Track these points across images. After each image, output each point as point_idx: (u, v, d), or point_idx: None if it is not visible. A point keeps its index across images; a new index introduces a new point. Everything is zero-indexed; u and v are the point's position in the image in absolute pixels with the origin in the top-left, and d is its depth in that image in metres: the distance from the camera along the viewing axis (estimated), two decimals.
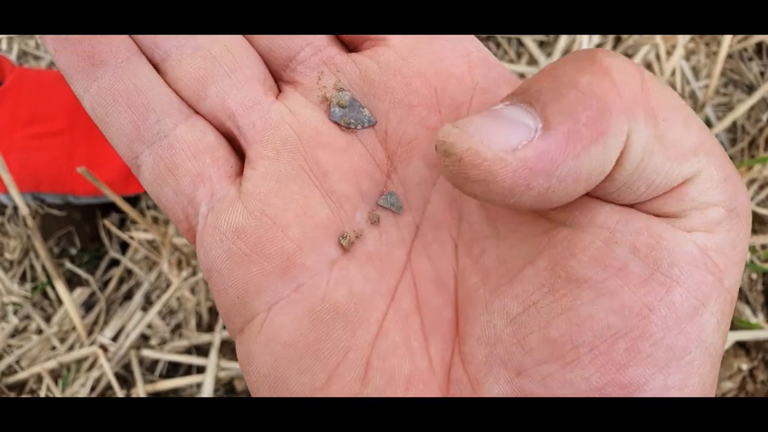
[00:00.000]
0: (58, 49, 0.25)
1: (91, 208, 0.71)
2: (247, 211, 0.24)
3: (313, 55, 0.26)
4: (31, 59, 0.78)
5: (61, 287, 0.67)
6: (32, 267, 0.71)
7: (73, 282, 0.71)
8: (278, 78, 0.27)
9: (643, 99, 0.19)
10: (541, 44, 0.70)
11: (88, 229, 0.73)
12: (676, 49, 0.69)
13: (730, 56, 0.71)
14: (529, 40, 0.69)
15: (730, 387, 0.66)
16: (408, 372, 0.23)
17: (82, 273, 0.71)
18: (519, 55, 0.70)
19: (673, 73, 0.70)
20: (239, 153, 0.26)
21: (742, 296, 0.68)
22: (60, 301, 0.71)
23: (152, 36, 0.25)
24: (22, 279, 0.72)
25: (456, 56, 0.25)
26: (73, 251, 0.73)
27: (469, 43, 0.25)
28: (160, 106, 0.25)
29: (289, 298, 0.23)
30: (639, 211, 0.21)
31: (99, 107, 0.25)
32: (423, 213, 0.25)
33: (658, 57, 0.70)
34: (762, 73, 0.71)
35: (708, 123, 0.70)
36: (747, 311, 0.66)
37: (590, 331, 0.20)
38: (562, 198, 0.19)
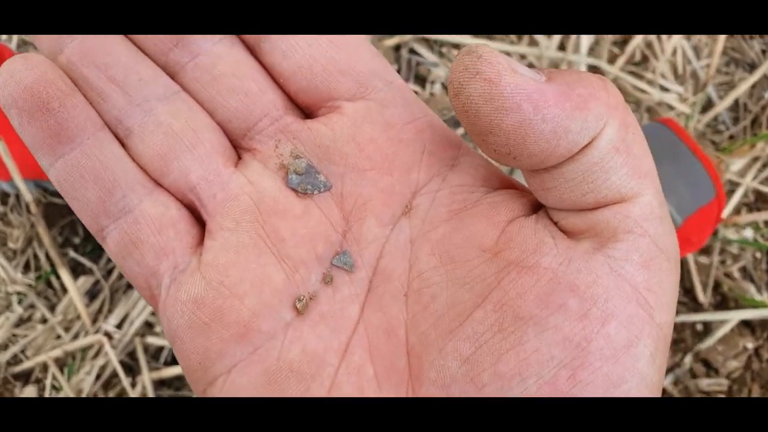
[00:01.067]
0: (22, 124, 0.25)
1: None
2: (205, 282, 0.25)
3: (270, 125, 0.27)
4: (31, 48, 0.78)
5: (65, 275, 0.67)
6: (36, 256, 0.71)
7: (77, 271, 0.71)
8: (237, 145, 0.28)
9: (623, 112, 0.22)
10: None
11: None
12: None
13: (731, 35, 0.70)
14: None
15: (735, 366, 0.66)
16: None
17: (86, 261, 0.71)
18: (520, 37, 0.70)
19: (674, 52, 0.70)
20: (200, 221, 0.27)
21: (747, 275, 0.67)
22: (64, 290, 0.71)
23: (115, 112, 0.26)
24: (26, 268, 0.72)
25: (404, 123, 0.27)
26: (77, 240, 0.73)
27: (417, 108, 0.27)
28: (125, 181, 0.26)
29: (247, 360, 0.25)
30: (579, 242, 0.23)
31: (65, 182, 0.26)
32: (375, 268, 0.26)
33: (659, 37, 0.70)
34: (764, 51, 0.71)
35: (710, 102, 0.70)
36: (752, 289, 0.66)
37: (536, 364, 0.22)
38: (535, 145, 0.21)
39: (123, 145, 0.26)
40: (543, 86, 0.21)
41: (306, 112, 0.28)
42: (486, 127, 0.21)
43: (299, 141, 0.27)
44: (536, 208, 0.25)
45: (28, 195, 0.61)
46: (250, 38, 0.27)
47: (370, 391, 0.24)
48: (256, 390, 0.24)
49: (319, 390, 0.24)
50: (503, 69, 0.21)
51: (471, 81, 0.21)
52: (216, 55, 0.27)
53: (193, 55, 0.27)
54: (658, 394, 0.23)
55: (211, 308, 0.25)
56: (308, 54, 0.26)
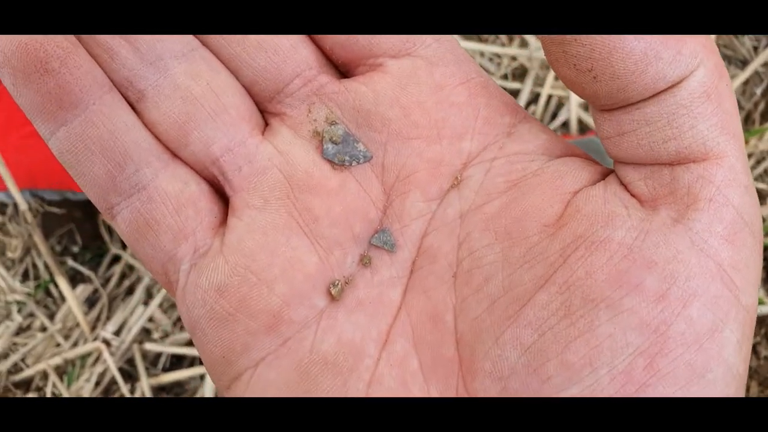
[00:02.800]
0: (17, 86, 0.22)
1: (90, 205, 0.72)
2: (229, 268, 0.23)
3: (302, 86, 0.24)
4: None
5: (63, 284, 0.68)
6: (34, 265, 0.72)
7: (76, 279, 0.72)
8: (264, 110, 0.25)
9: (718, 58, 0.20)
10: None
11: (89, 227, 0.73)
12: None
13: None
14: None
15: None
16: None
17: (85, 270, 0.72)
18: (510, 39, 0.70)
19: None
20: (223, 197, 0.25)
21: None
22: (63, 298, 0.71)
23: (125, 72, 0.23)
24: (25, 277, 0.72)
25: (456, 84, 0.24)
26: (75, 249, 0.73)
27: (469, 68, 0.24)
28: (137, 153, 0.23)
29: (276, 353, 0.23)
30: (656, 212, 0.20)
31: (69, 154, 0.23)
32: (419, 248, 0.23)
33: None
34: (755, 48, 0.71)
35: None
36: None
37: (609, 351, 0.19)
38: (621, 64, 0.19)
39: (135, 110, 0.23)
40: None
41: (343, 70, 0.25)
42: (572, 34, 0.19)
43: (335, 104, 0.24)
44: (605, 176, 0.22)
45: (23, 204, 0.62)
46: None
47: (415, 385, 0.22)
48: (287, 386, 0.22)
49: (357, 384, 0.22)
50: None
51: None
52: None
53: None
54: (743, 388, 0.20)
55: (236, 297, 0.23)
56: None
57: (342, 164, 0.24)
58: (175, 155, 0.24)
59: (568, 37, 0.19)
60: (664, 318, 0.19)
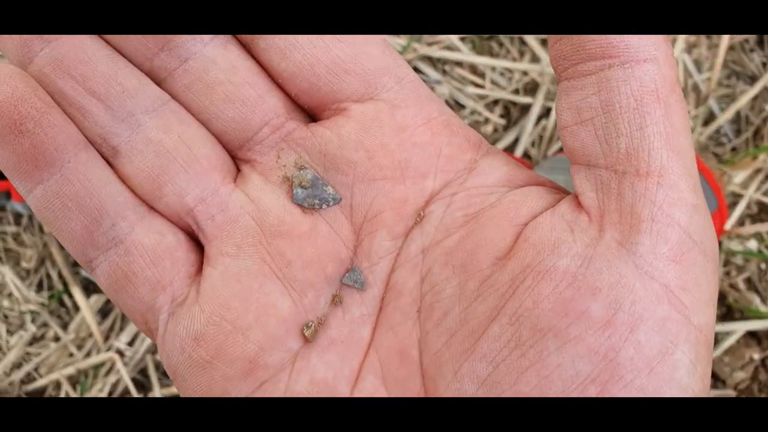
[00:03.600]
0: None
1: None
2: (205, 317, 0.23)
3: (271, 134, 0.25)
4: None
5: (78, 293, 0.68)
6: (48, 276, 0.72)
7: (89, 289, 0.72)
8: (234, 156, 0.25)
9: (674, 73, 0.20)
10: (544, 42, 0.71)
11: None
12: (677, 43, 0.70)
13: (731, 48, 0.71)
14: (532, 39, 0.70)
15: (742, 377, 0.66)
16: None
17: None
18: (521, 54, 0.71)
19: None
20: (200, 246, 0.25)
21: (752, 286, 0.68)
22: (76, 309, 0.72)
23: (98, 129, 0.23)
24: (39, 287, 0.73)
25: (418, 124, 0.24)
26: None
27: (431, 107, 0.25)
28: (113, 207, 0.23)
29: (252, 395, 0.23)
30: (602, 236, 0.20)
31: (46, 211, 0.23)
32: (387, 284, 0.24)
33: None
34: (764, 64, 0.71)
35: (711, 114, 0.70)
36: (757, 300, 0.67)
37: (560, 381, 0.20)
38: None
39: (110, 165, 0.24)
40: None
41: (311, 114, 0.26)
42: None
43: (303, 149, 0.25)
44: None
45: None
46: (245, 36, 0.24)
47: None
48: None
49: None
50: None
51: None
52: (208, 58, 0.24)
53: (181, 60, 0.24)
54: None
55: (212, 345, 0.23)
56: (309, 53, 0.24)
57: (312, 207, 0.24)
58: (150, 207, 0.24)
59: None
60: (611, 344, 0.19)
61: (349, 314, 0.24)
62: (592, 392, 0.19)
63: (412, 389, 0.23)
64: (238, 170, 0.25)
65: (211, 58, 0.24)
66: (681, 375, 0.19)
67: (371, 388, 0.23)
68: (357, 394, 0.23)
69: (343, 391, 0.23)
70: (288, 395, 0.23)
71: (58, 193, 0.23)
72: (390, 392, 0.23)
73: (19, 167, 0.22)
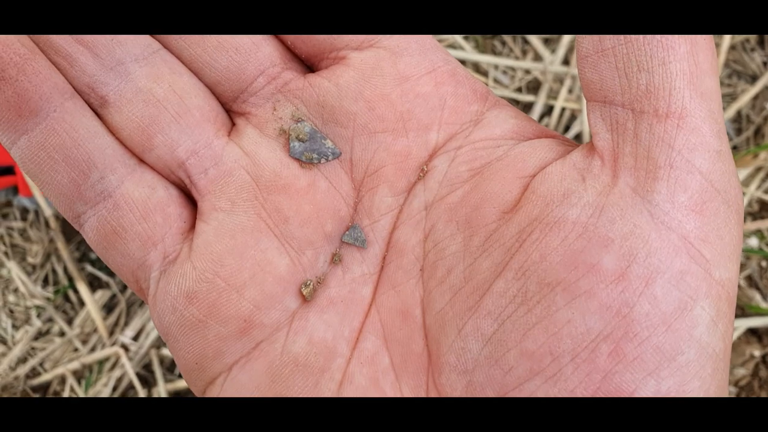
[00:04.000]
0: None
1: None
2: (197, 274, 0.22)
3: (266, 84, 0.24)
4: None
5: (83, 288, 0.69)
6: (54, 271, 0.73)
7: (93, 285, 0.73)
8: (228, 109, 0.24)
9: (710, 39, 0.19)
10: (546, 41, 0.71)
11: None
12: None
13: (732, 48, 0.72)
14: (534, 37, 0.71)
15: (743, 374, 0.66)
16: None
17: (103, 275, 0.73)
18: (524, 52, 0.72)
19: None
20: (192, 201, 0.24)
21: (753, 283, 0.68)
22: (81, 304, 0.72)
23: (86, 79, 0.22)
24: (44, 282, 0.73)
25: (422, 73, 0.23)
26: (93, 255, 0.74)
27: (436, 56, 0.23)
28: (101, 160, 0.22)
29: (248, 356, 0.22)
30: (615, 183, 0.19)
31: (31, 163, 0.22)
32: (388, 243, 0.23)
33: None
34: (765, 63, 0.72)
35: None
36: (757, 297, 0.67)
37: (569, 338, 0.18)
38: None
39: (98, 116, 0.23)
40: None
41: (308, 64, 0.25)
42: None
43: (300, 101, 0.24)
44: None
45: (47, 210, 0.63)
46: None
47: (387, 383, 0.22)
48: (259, 389, 0.22)
49: (328, 384, 0.22)
50: None
51: None
52: None
53: None
54: (723, 368, 0.19)
55: (205, 303, 0.22)
56: None
57: (310, 162, 0.23)
58: (141, 160, 0.23)
59: None
60: (625, 299, 0.18)
61: (349, 273, 0.23)
62: (604, 350, 0.18)
63: (414, 350, 0.22)
64: (233, 124, 0.24)
65: None
66: (700, 332, 0.18)
67: (372, 348, 0.22)
68: (357, 355, 0.22)
69: (342, 352, 0.22)
70: (284, 356, 0.22)
71: (43, 144, 0.22)
72: (391, 353, 0.22)
73: (2, 116, 0.21)
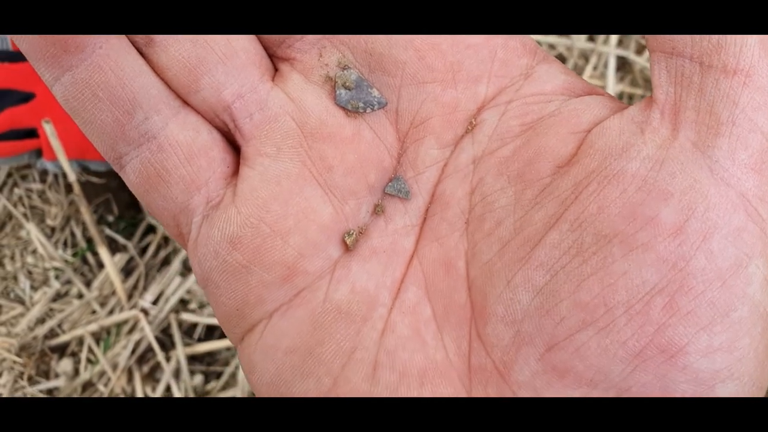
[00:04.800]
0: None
1: None
2: (242, 218, 0.22)
3: None
4: None
5: (104, 252, 0.69)
6: (72, 234, 0.73)
7: (111, 248, 0.73)
8: (272, 54, 0.24)
9: None
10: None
11: (125, 196, 0.74)
12: None
13: None
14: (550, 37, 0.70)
15: None
16: (421, 366, 0.21)
17: (120, 239, 0.73)
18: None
19: None
20: (235, 146, 0.24)
21: None
22: (99, 267, 0.73)
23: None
24: (63, 245, 0.73)
25: None
26: (110, 218, 0.74)
27: None
28: (146, 100, 0.22)
29: (290, 303, 0.22)
30: (675, 137, 0.19)
31: (74, 100, 0.22)
32: (432, 195, 0.23)
33: None
34: None
35: None
36: None
37: (624, 290, 0.18)
38: None
39: (143, 55, 0.22)
40: None
41: None
42: None
43: (347, 48, 0.23)
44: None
45: (72, 175, 0.63)
46: None
47: (428, 333, 0.22)
48: (300, 336, 0.22)
49: (370, 333, 0.22)
50: None
51: None
52: None
53: None
54: None
55: (249, 248, 0.22)
56: None
57: (356, 111, 0.23)
58: (185, 102, 0.23)
59: None
60: (682, 253, 0.18)
61: (392, 224, 0.23)
62: (658, 303, 0.18)
63: (457, 301, 0.22)
64: (276, 70, 0.24)
65: None
66: (754, 290, 0.18)
67: (414, 298, 0.22)
68: (398, 306, 0.22)
69: (384, 301, 0.22)
70: (327, 304, 0.22)
71: (87, 81, 0.21)
72: (433, 304, 0.22)
73: (46, 52, 0.21)
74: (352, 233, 0.23)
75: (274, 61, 0.24)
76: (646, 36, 0.20)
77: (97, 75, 0.21)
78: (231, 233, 0.22)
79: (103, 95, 0.21)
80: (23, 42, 0.21)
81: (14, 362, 0.71)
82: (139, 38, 0.22)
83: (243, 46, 0.23)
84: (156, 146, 0.22)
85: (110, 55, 0.21)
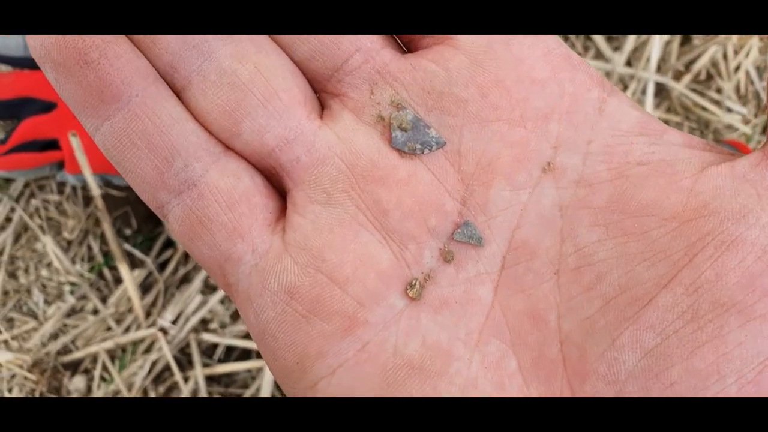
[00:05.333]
0: (59, 81, 0.21)
1: None
2: (299, 269, 0.22)
3: (363, 63, 0.22)
4: None
5: (123, 267, 0.67)
6: (89, 248, 0.71)
7: (128, 263, 0.71)
8: (321, 89, 0.23)
9: None
10: (609, 39, 0.69)
11: (143, 209, 0.72)
12: (743, 49, 0.69)
13: None
14: (597, 36, 0.69)
15: None
16: None
17: (138, 253, 0.71)
18: (586, 49, 0.70)
19: (737, 69, 0.70)
20: (277, 189, 0.23)
21: None
22: (116, 283, 0.70)
23: (168, 57, 0.22)
24: (80, 259, 0.71)
25: (537, 57, 0.22)
26: (128, 232, 0.72)
27: (548, 38, 0.22)
28: (185, 147, 0.22)
29: (356, 358, 0.21)
30: None
31: (114, 150, 0.22)
32: (510, 242, 0.22)
33: (725, 57, 0.70)
34: None
35: None
36: None
37: (739, 359, 0.19)
38: None
39: (181, 99, 0.22)
40: None
41: (405, 43, 0.23)
42: None
43: (401, 84, 0.22)
44: (717, 161, 0.21)
45: (96, 190, 0.61)
46: None
47: (513, 388, 0.21)
48: (372, 393, 0.21)
49: (449, 389, 0.21)
50: None
51: None
52: None
53: None
54: None
55: (308, 298, 0.21)
56: None
57: (413, 152, 0.22)
58: (225, 147, 0.22)
59: None
60: None
61: (463, 272, 0.22)
62: (767, 374, 0.19)
63: (548, 355, 0.21)
64: (323, 106, 0.23)
65: None
66: None
67: (497, 352, 0.21)
68: (479, 360, 0.21)
69: (461, 355, 0.21)
70: (398, 358, 0.21)
71: (126, 130, 0.21)
72: (519, 358, 0.21)
73: (85, 102, 0.21)
74: (415, 283, 0.22)
75: (323, 97, 0.23)
76: None
77: (135, 123, 0.21)
78: (288, 283, 0.21)
79: (142, 143, 0.21)
80: (64, 92, 0.21)
81: (26, 378, 0.69)
82: (177, 82, 0.22)
83: (284, 86, 0.22)
84: (197, 194, 0.22)
85: (147, 102, 0.21)
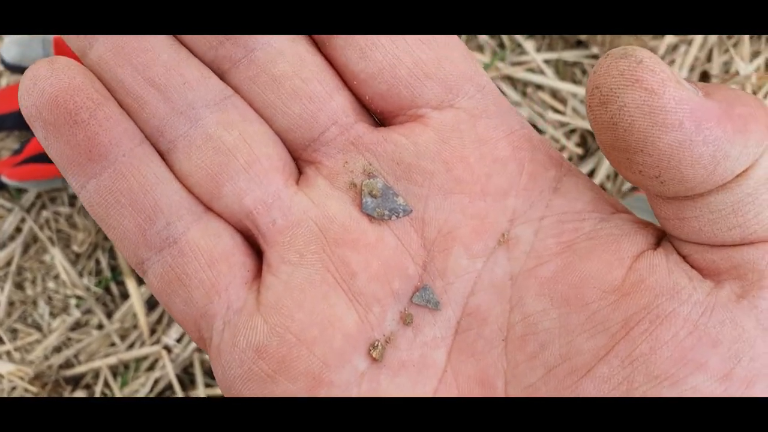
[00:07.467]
0: (48, 139, 0.22)
1: None
2: (268, 328, 0.22)
3: (338, 135, 0.23)
4: None
5: (131, 283, 0.67)
6: (97, 262, 0.71)
7: (135, 278, 0.71)
8: (298, 157, 0.24)
9: None
10: None
11: None
12: (761, 90, 0.69)
13: None
14: None
15: None
16: None
17: None
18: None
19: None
20: (255, 249, 0.24)
21: None
22: (122, 298, 0.70)
23: (155, 122, 0.23)
24: (88, 272, 0.71)
25: (500, 137, 0.23)
26: None
27: (512, 119, 0.23)
28: (168, 207, 0.22)
29: None
30: (720, 286, 0.20)
31: (98, 207, 0.22)
32: (464, 307, 0.23)
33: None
34: None
35: None
36: None
37: None
38: (690, 170, 0.18)
39: (165, 161, 0.23)
40: (704, 102, 0.18)
41: (380, 118, 0.24)
42: (638, 145, 0.19)
43: (373, 155, 0.23)
44: (659, 239, 0.22)
45: None
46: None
47: None
48: None
49: None
50: (667, 79, 0.18)
51: (627, 89, 0.18)
52: (275, 50, 0.23)
53: (247, 51, 0.23)
54: None
55: (275, 358, 0.22)
56: (391, 53, 0.22)
57: (381, 218, 0.23)
58: (207, 207, 0.23)
59: (633, 146, 0.19)
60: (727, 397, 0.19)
61: (420, 336, 0.23)
62: None
63: None
64: (300, 172, 0.24)
65: (279, 49, 0.23)
66: None
67: None
68: None
69: None
70: None
71: (111, 189, 0.22)
72: None
73: (72, 160, 0.22)
74: (377, 345, 0.22)
75: (300, 164, 0.24)
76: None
77: (120, 182, 0.22)
78: (257, 342, 0.22)
79: (126, 201, 0.22)
80: (52, 150, 0.22)
81: (26, 390, 0.69)
82: (162, 145, 0.23)
83: (266, 153, 0.23)
84: (177, 251, 0.22)
85: (133, 162, 0.22)
